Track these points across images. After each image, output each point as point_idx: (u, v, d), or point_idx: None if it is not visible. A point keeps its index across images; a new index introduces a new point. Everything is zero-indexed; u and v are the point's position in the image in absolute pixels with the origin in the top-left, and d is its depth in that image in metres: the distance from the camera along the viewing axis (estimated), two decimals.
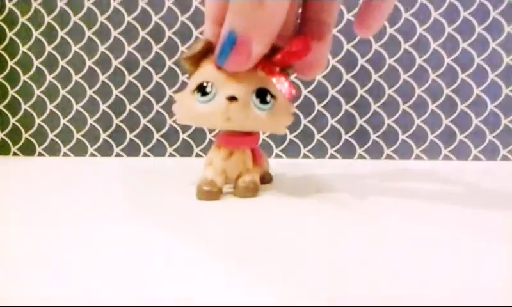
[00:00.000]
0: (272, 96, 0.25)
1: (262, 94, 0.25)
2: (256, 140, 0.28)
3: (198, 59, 0.26)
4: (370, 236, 0.19)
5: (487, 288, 0.13)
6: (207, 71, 0.25)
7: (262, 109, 0.25)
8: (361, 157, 0.45)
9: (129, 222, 0.21)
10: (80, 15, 0.46)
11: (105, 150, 0.47)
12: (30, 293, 0.13)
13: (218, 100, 0.24)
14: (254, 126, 0.26)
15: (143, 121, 0.46)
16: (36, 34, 0.47)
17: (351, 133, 0.45)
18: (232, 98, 0.24)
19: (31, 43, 0.47)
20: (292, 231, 0.20)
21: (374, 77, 0.44)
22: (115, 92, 0.46)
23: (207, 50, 0.25)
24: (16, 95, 0.48)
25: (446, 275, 0.14)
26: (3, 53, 0.47)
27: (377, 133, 0.45)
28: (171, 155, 0.47)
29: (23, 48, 0.47)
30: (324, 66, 0.26)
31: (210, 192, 0.26)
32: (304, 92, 0.45)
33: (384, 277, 0.14)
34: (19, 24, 0.47)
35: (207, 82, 0.25)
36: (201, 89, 0.25)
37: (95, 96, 0.47)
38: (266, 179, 0.31)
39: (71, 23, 0.46)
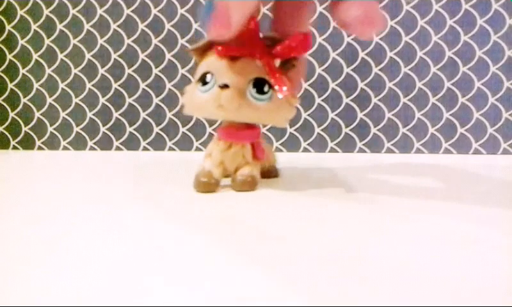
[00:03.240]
0: (272, 87, 0.25)
1: (260, 85, 0.25)
2: (257, 134, 0.28)
3: (203, 51, 0.26)
4: (369, 231, 0.19)
5: (487, 285, 0.13)
6: (208, 62, 0.26)
7: (259, 100, 0.25)
8: (361, 150, 0.45)
9: (127, 217, 0.21)
10: (79, 7, 0.46)
11: (105, 144, 0.47)
12: (30, 286, 0.13)
13: (212, 90, 0.25)
14: (249, 117, 0.26)
15: (143, 114, 0.46)
16: (34, 27, 0.46)
17: (351, 127, 0.45)
18: (224, 86, 0.24)
19: (29, 36, 0.46)
20: (288, 225, 0.20)
21: (375, 70, 0.44)
22: (114, 85, 0.46)
23: (212, 43, 0.26)
24: (15, 88, 0.47)
25: (445, 270, 0.14)
26: (1, 46, 0.47)
27: (378, 127, 0.44)
28: (170, 148, 0.46)
29: (21, 41, 0.47)
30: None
31: (207, 184, 0.26)
32: (305, 85, 0.44)
33: (384, 272, 0.14)
34: (18, 17, 0.46)
35: (208, 73, 0.25)
36: (203, 80, 0.26)
37: (94, 90, 0.46)
38: (272, 173, 0.31)
39: (70, 16, 0.46)
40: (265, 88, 0.25)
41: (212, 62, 0.26)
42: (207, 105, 0.25)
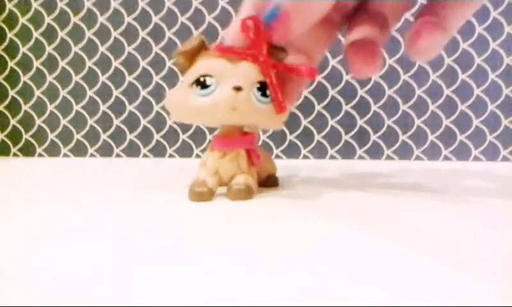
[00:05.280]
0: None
1: (263, 88, 0.25)
2: (252, 141, 0.28)
3: (192, 54, 0.25)
4: (370, 238, 0.19)
5: (487, 290, 0.13)
6: (205, 65, 0.25)
7: (262, 102, 0.25)
8: (361, 157, 0.45)
9: (124, 224, 0.21)
10: (80, 15, 0.46)
11: (106, 151, 0.47)
12: (29, 289, 0.13)
13: (221, 91, 0.24)
14: (255, 120, 0.26)
15: (143, 121, 0.46)
16: (36, 34, 0.47)
17: (351, 134, 0.45)
18: (238, 88, 0.24)
19: (31, 43, 0.47)
20: (284, 233, 0.20)
21: (374, 77, 0.44)
22: (115, 93, 0.46)
23: (201, 47, 0.25)
24: (16, 96, 0.48)
25: (446, 276, 0.14)
26: (3, 54, 0.47)
27: (378, 134, 0.45)
28: (171, 155, 0.47)
29: (23, 49, 0.47)
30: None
31: (200, 193, 0.25)
32: (305, 92, 0.45)
33: (385, 276, 0.14)
34: (19, 25, 0.47)
35: (207, 75, 0.25)
36: (201, 83, 0.25)
37: (95, 97, 0.47)
38: (270, 182, 0.30)
39: (71, 24, 0.46)
40: (267, 92, 0.25)
41: (210, 66, 0.25)
42: (216, 108, 0.24)
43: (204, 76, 0.25)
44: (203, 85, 0.25)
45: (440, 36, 0.23)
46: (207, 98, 0.25)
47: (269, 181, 0.30)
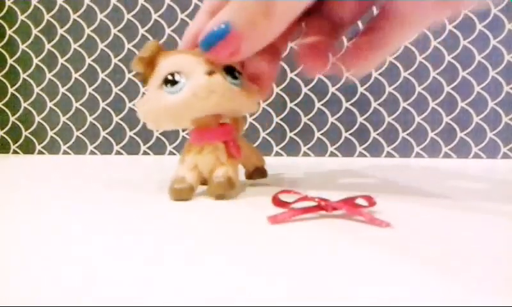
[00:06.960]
0: (239, 73, 0.26)
1: (231, 71, 0.25)
2: (229, 132, 0.27)
3: (151, 60, 0.26)
4: (369, 237, 0.19)
5: (487, 288, 0.13)
6: (170, 63, 0.25)
7: (235, 85, 0.25)
8: (361, 154, 0.45)
9: (122, 221, 0.21)
10: (79, 12, 0.46)
11: (105, 148, 0.47)
12: (28, 288, 0.13)
13: (195, 80, 0.24)
14: (234, 102, 0.25)
15: None
16: (35, 31, 0.46)
17: (351, 131, 0.45)
18: (211, 72, 0.24)
19: (30, 40, 0.47)
20: (283, 234, 0.20)
21: (374, 74, 0.44)
22: (115, 90, 0.46)
23: (159, 50, 0.26)
24: (15, 93, 0.48)
25: (446, 274, 0.14)
26: (2, 51, 0.47)
27: (378, 131, 0.45)
28: (171, 153, 0.47)
29: (22, 46, 0.47)
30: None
31: (180, 190, 0.25)
32: (305, 90, 0.44)
33: (384, 278, 0.14)
34: (18, 22, 0.46)
35: (174, 72, 0.24)
36: (170, 81, 0.24)
37: (95, 94, 0.47)
38: (257, 174, 0.30)
39: (70, 21, 0.46)
40: (236, 74, 0.25)
41: (176, 61, 0.25)
42: (193, 98, 0.24)
43: (172, 74, 0.24)
44: (173, 82, 0.24)
45: (376, 58, 0.23)
46: (180, 93, 0.24)
47: (256, 174, 0.30)
